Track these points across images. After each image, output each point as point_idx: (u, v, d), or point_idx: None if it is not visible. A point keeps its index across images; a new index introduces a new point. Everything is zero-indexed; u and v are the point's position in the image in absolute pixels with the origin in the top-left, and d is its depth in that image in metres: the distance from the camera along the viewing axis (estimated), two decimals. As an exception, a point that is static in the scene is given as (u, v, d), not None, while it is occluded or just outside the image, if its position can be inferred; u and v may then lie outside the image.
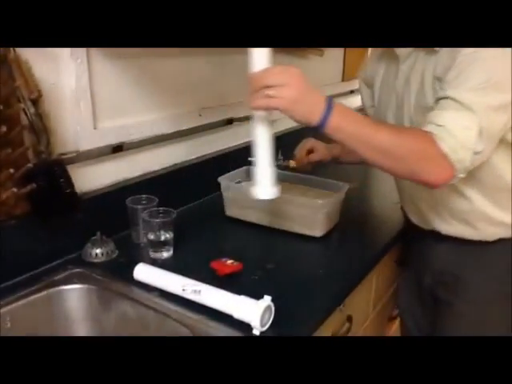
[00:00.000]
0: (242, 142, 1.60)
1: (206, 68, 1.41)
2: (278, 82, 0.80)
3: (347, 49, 2.21)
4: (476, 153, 0.85)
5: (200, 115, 1.40)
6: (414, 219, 1.19)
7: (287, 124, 1.71)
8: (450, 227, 1.09)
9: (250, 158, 1.50)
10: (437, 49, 0.95)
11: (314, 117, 0.82)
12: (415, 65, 1.01)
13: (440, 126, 0.84)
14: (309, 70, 1.86)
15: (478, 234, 1.07)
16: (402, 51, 1.03)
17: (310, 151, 1.30)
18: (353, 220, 1.32)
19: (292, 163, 1.40)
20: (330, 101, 0.83)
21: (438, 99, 0.90)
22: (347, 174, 1.49)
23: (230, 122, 1.52)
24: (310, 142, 1.31)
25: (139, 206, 1.11)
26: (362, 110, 1.27)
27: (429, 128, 0.86)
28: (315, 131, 0.84)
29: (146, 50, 1.19)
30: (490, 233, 1.06)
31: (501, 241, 1.06)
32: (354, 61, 2.31)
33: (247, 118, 1.60)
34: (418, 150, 0.85)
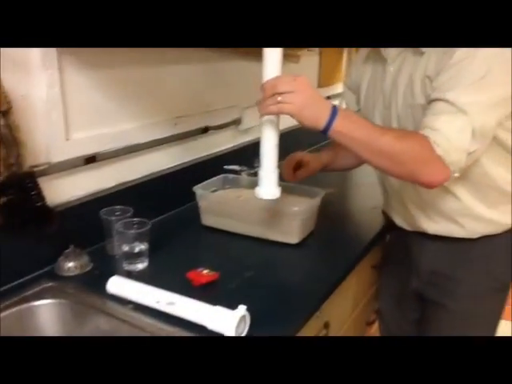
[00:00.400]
0: (217, 150, 1.60)
1: (181, 77, 1.40)
2: (289, 89, 0.86)
3: (323, 55, 2.23)
4: (470, 153, 0.90)
5: (175, 124, 1.39)
6: (399, 221, 1.20)
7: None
8: (437, 226, 1.11)
9: (225, 166, 1.51)
10: (423, 50, 0.98)
11: (320, 121, 0.88)
12: (403, 66, 1.04)
13: (435, 130, 0.89)
14: (284, 76, 1.87)
15: (465, 231, 1.09)
16: (389, 53, 1.06)
17: (298, 167, 1.27)
18: (329, 226, 1.32)
19: None
20: (336, 107, 0.89)
21: (432, 100, 0.93)
22: (324, 180, 1.50)
23: (205, 130, 1.52)
24: (296, 157, 1.27)
25: (113, 218, 1.10)
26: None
27: (425, 132, 0.90)
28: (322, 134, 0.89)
29: (119, 59, 1.19)
30: (475, 230, 1.09)
31: (485, 238, 1.09)
32: (330, 67, 2.34)
33: (223, 126, 1.60)
34: (416, 154, 0.90)
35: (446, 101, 0.89)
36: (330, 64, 2.33)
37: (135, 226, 1.06)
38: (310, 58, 2.09)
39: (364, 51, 1.21)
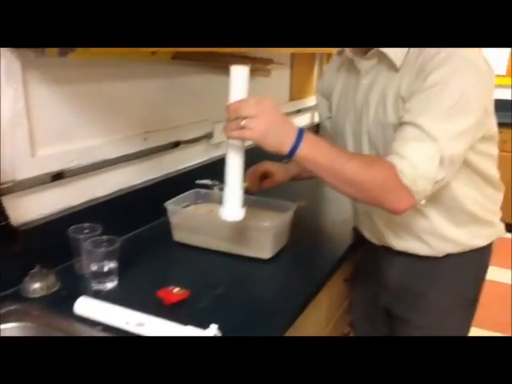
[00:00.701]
0: (189, 164, 1.59)
1: (150, 91, 1.39)
2: (252, 113, 0.85)
3: (294, 69, 2.25)
4: (437, 181, 0.90)
5: (145, 139, 1.37)
6: (368, 235, 1.20)
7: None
8: (404, 243, 1.11)
9: (197, 181, 1.50)
10: (399, 66, 0.97)
11: (284, 147, 0.87)
12: (376, 80, 1.03)
13: (403, 157, 0.88)
14: (256, 90, 1.87)
15: (431, 250, 1.09)
16: (363, 66, 1.05)
17: (264, 176, 1.26)
18: (301, 239, 1.32)
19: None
20: (302, 132, 0.88)
21: (403, 123, 0.92)
22: (295, 193, 1.50)
23: (176, 144, 1.50)
24: (263, 166, 1.25)
25: (82, 236, 1.07)
26: (312, 127, 1.29)
27: (393, 159, 0.90)
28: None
29: (85, 74, 1.17)
30: (442, 249, 1.09)
31: (449, 256, 1.10)
32: (301, 81, 2.36)
33: (194, 141, 1.59)
34: (381, 182, 0.90)
35: (417, 126, 0.89)
36: (301, 77, 2.35)
37: (104, 244, 1.04)
38: (281, 72, 2.10)
39: (336, 59, 1.21)
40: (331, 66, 1.24)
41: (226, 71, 1.74)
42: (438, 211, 1.05)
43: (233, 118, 0.87)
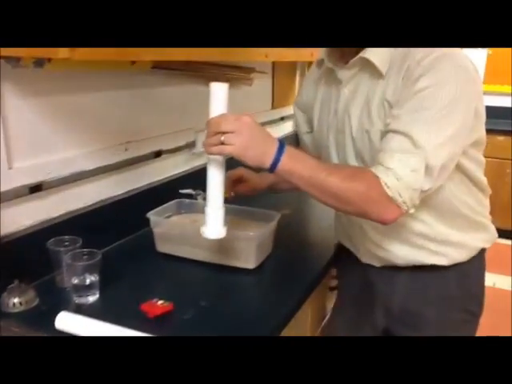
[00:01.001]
0: (171, 174, 1.57)
1: (130, 101, 1.37)
2: (231, 128, 0.86)
3: (275, 77, 2.25)
4: (424, 191, 0.89)
5: (126, 149, 1.35)
6: (366, 258, 1.15)
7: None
8: (405, 254, 1.07)
9: (180, 191, 1.48)
10: (384, 73, 0.96)
11: (265, 161, 0.88)
12: (358, 88, 1.01)
13: (388, 169, 0.88)
14: (239, 99, 1.88)
15: (435, 256, 1.06)
16: (344, 75, 1.03)
17: (238, 181, 1.24)
18: (286, 248, 1.31)
19: None
20: (282, 145, 0.88)
21: (391, 130, 0.91)
22: (279, 201, 1.50)
23: (158, 154, 1.49)
24: (237, 172, 1.23)
25: (61, 249, 1.05)
26: (294, 135, 1.28)
27: (378, 170, 0.89)
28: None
29: (62, 86, 1.15)
30: (449, 254, 1.06)
31: (457, 266, 1.07)
32: (283, 89, 2.36)
33: (176, 150, 1.58)
34: (364, 194, 0.89)
35: (405, 135, 0.88)
36: (282, 86, 2.36)
37: (85, 257, 1.02)
38: (263, 81, 2.10)
39: (315, 71, 1.19)
40: (309, 80, 1.22)
41: (207, 80, 1.74)
42: (434, 216, 1.03)
43: (213, 133, 0.87)
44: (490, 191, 1.11)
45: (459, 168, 0.99)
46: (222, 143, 0.86)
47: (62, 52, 0.81)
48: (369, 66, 0.98)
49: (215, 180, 0.95)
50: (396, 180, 0.87)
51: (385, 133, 0.93)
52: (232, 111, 0.94)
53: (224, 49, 1.39)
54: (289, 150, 0.89)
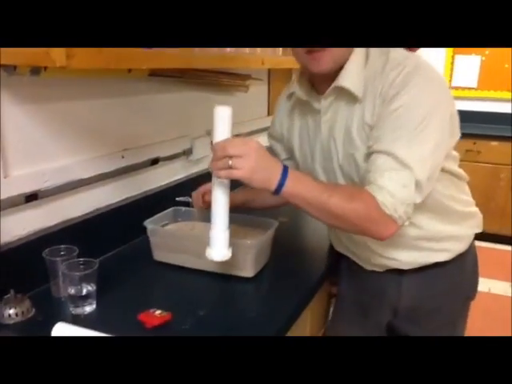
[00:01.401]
0: (168, 181, 1.57)
1: (127, 108, 1.36)
2: (239, 153, 0.87)
3: (271, 84, 2.26)
4: (416, 204, 0.93)
5: (122, 157, 1.35)
6: (369, 266, 1.17)
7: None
8: (411, 258, 1.11)
9: (177, 198, 1.47)
10: (359, 97, 0.98)
11: (271, 184, 0.90)
12: (337, 115, 1.04)
13: (381, 188, 0.91)
14: (235, 106, 1.86)
15: (440, 254, 1.11)
16: (321, 105, 1.05)
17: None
18: (284, 256, 1.30)
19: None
20: (286, 169, 0.91)
21: (375, 151, 0.94)
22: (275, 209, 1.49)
23: (155, 161, 1.48)
24: (208, 186, 1.18)
25: (58, 258, 1.04)
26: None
27: (372, 190, 0.92)
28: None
29: (58, 93, 1.14)
30: (445, 248, 1.12)
31: (457, 257, 1.13)
32: (279, 96, 2.36)
33: (173, 157, 1.57)
34: (364, 214, 0.92)
35: (390, 154, 0.91)
36: (278, 93, 2.33)
37: (82, 267, 1.01)
38: (259, 88, 2.11)
39: (285, 103, 1.21)
40: (281, 112, 1.24)
41: (203, 87, 1.74)
42: (430, 218, 1.06)
43: (220, 156, 0.89)
44: (467, 177, 1.15)
45: (443, 169, 1.02)
46: (230, 167, 0.88)
47: (60, 60, 0.81)
48: (344, 93, 1.01)
49: (221, 202, 0.96)
50: (390, 197, 0.90)
51: (369, 154, 0.96)
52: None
53: (220, 56, 1.40)
54: (292, 173, 0.92)
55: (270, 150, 1.26)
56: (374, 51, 1.00)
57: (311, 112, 1.10)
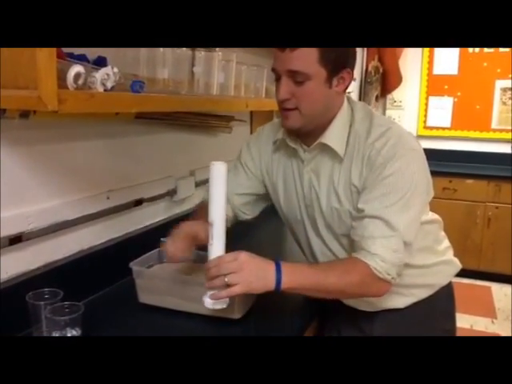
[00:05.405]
0: (152, 222, 1.56)
1: (112, 150, 1.37)
2: (232, 269, 0.95)
3: (253, 125, 2.29)
4: (404, 262, 1.04)
5: (107, 198, 1.34)
6: (363, 307, 1.20)
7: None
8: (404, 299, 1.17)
9: (162, 239, 1.46)
10: (342, 155, 1.06)
11: (269, 285, 0.97)
12: (320, 168, 1.11)
13: (374, 254, 1.00)
14: (218, 146, 1.91)
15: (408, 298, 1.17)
16: (306, 156, 1.12)
17: (194, 239, 1.12)
18: (270, 294, 1.29)
19: None
20: (279, 265, 0.98)
21: (367, 216, 1.01)
22: (260, 243, 1.49)
23: (139, 202, 1.48)
24: (190, 230, 1.13)
25: (41, 302, 1.01)
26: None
27: (364, 257, 1.01)
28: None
29: (41, 136, 1.14)
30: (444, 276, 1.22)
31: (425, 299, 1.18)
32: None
33: (157, 198, 1.57)
34: (361, 283, 1.01)
35: (380, 219, 1.00)
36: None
37: (66, 311, 0.99)
38: (241, 128, 2.14)
39: (265, 143, 1.23)
40: (263, 148, 1.24)
41: (188, 129, 1.76)
42: (408, 268, 1.09)
43: (214, 275, 0.95)
44: (441, 220, 1.24)
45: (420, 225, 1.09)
46: (228, 284, 0.94)
47: (52, 105, 0.82)
48: (327, 150, 1.09)
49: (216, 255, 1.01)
50: (383, 263, 0.99)
51: (360, 218, 1.03)
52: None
53: (207, 99, 1.43)
54: (285, 268, 0.98)
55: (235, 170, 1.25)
56: (358, 114, 1.09)
57: (295, 157, 1.16)
